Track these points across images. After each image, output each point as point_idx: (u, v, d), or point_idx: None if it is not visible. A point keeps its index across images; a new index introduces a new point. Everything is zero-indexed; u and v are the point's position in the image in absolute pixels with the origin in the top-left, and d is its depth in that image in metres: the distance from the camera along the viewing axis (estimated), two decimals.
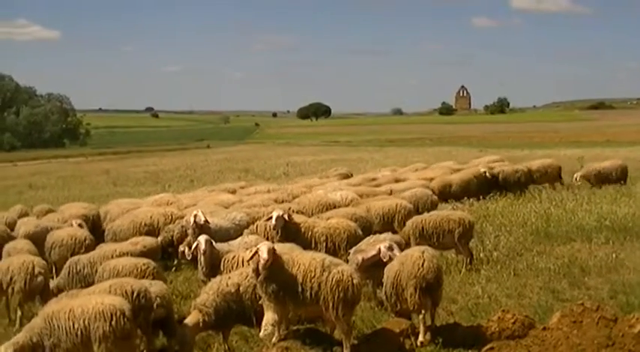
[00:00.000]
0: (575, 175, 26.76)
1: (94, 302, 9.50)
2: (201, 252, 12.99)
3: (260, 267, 10.41)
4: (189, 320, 10.76)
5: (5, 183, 49.10)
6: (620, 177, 26.44)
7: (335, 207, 18.57)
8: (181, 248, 15.44)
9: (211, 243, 13.15)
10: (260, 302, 10.79)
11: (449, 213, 16.22)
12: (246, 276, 11.35)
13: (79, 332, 9.27)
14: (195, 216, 16.26)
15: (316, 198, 19.74)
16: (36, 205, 25.07)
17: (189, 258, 14.54)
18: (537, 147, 56.78)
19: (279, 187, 25.49)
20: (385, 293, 11.27)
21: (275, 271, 10.33)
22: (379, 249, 12.11)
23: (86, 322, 9.26)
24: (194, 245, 13.49)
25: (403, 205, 17.98)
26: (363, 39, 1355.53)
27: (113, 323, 9.29)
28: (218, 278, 11.74)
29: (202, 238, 13.21)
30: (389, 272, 11.19)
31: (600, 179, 26.26)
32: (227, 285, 11.18)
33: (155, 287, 11.24)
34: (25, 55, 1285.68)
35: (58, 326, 9.36)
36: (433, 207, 19.94)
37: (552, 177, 27.07)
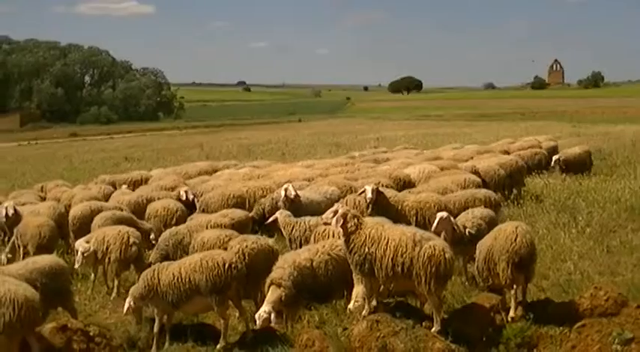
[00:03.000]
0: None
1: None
2: None
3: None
4: (270, 298, 10.79)
5: (103, 155, 50.26)
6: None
7: (409, 182, 18.88)
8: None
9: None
10: (354, 275, 10.83)
11: (475, 191, 15.97)
12: (317, 251, 11.45)
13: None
14: (286, 189, 16.43)
15: (388, 172, 19.78)
16: None
17: None
18: (631, 122, 55.30)
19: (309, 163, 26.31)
20: (477, 268, 11.24)
21: (365, 244, 10.36)
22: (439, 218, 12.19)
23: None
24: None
25: (472, 180, 17.95)
26: (455, 13, 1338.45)
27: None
28: (289, 253, 11.89)
29: None
30: (481, 247, 11.15)
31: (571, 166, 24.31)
32: (302, 260, 11.29)
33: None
34: (121, 30, 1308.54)
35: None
36: (500, 181, 19.97)
37: None
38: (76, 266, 13.85)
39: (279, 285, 10.84)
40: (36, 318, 9.68)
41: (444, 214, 12.31)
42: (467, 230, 12.37)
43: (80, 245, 13.87)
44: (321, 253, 11.44)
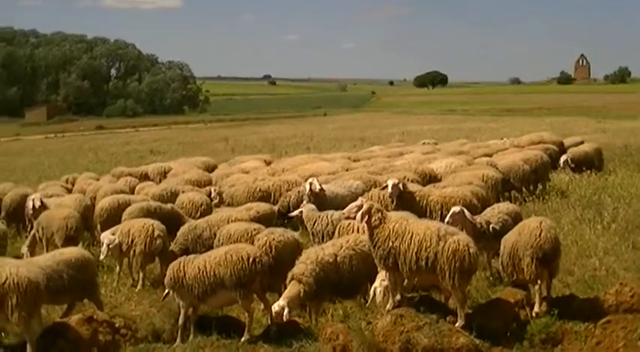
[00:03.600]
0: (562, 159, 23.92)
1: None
2: None
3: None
4: (288, 293, 10.81)
5: (128, 148, 50.55)
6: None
7: (434, 177, 18.92)
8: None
9: None
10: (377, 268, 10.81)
11: (469, 188, 15.92)
12: (341, 246, 11.42)
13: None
14: (311, 183, 16.46)
15: (414, 167, 19.84)
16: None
17: None
18: None
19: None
20: (501, 263, 11.21)
21: (389, 238, 10.36)
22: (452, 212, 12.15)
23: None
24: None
25: (490, 175, 17.88)
26: (480, 8, 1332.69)
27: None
28: (313, 248, 11.87)
29: None
30: (506, 242, 11.12)
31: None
32: (325, 255, 11.26)
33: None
34: (148, 23, 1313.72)
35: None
36: (525, 176, 19.87)
37: None
38: (101, 257, 13.92)
39: (299, 281, 10.86)
40: (41, 298, 9.78)
41: (457, 208, 12.24)
42: (491, 225, 12.33)
43: (106, 237, 13.96)
44: (346, 248, 11.41)
